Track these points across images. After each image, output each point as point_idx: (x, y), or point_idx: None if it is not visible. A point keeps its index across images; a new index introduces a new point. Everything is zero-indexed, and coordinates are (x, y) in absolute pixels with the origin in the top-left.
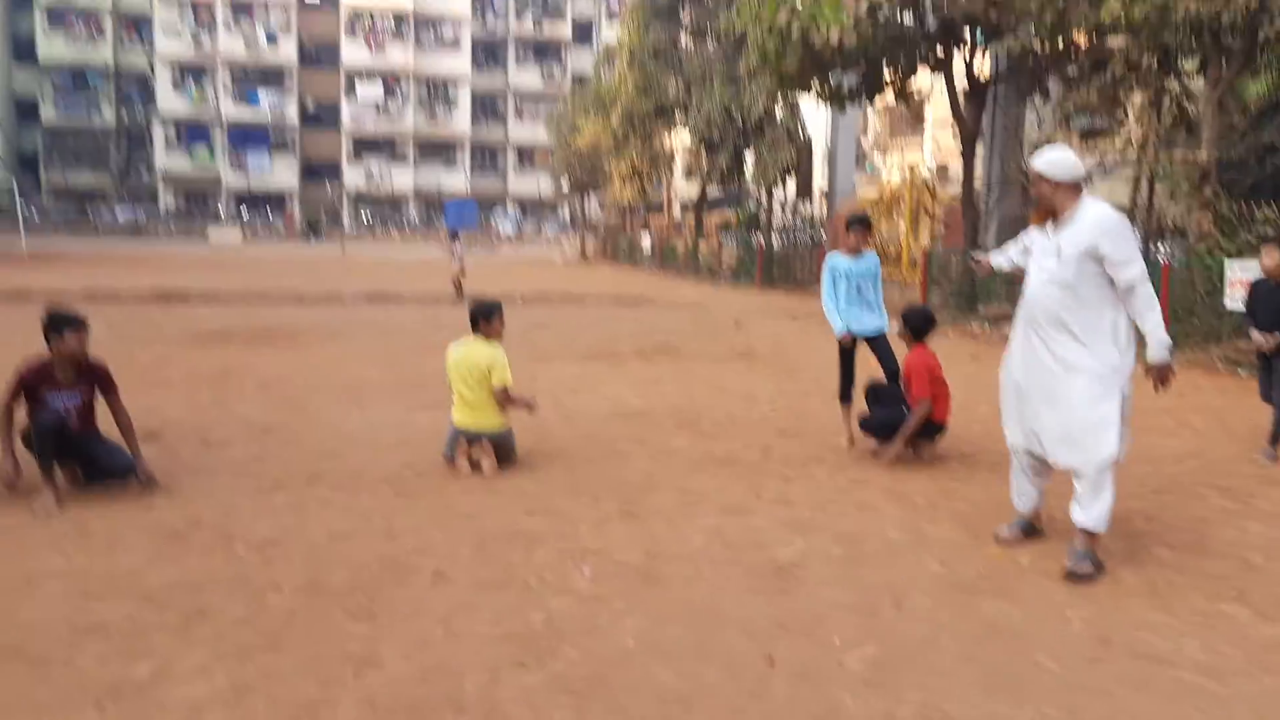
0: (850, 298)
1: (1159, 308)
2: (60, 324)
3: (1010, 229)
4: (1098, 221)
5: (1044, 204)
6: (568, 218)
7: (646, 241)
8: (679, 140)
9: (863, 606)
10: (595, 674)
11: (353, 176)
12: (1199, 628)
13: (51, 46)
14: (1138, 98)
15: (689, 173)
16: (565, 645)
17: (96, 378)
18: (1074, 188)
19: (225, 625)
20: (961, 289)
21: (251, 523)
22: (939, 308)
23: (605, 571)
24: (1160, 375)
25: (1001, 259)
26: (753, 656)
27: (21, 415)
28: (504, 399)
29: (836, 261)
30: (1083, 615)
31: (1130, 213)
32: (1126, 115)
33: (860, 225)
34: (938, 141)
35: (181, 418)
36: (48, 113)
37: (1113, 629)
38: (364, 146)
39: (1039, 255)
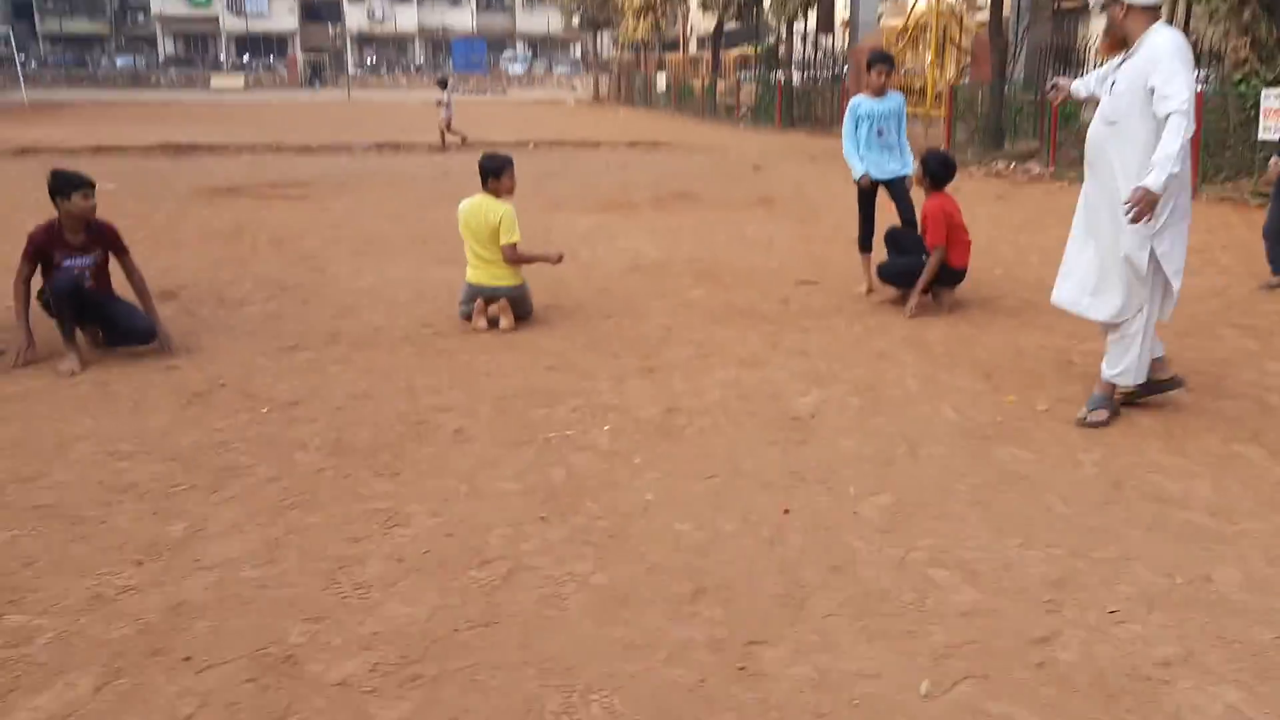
0: (870, 141)
1: (1183, 141)
2: (66, 186)
3: (1039, 59)
4: (1152, 50)
5: (1113, 30)
6: (579, 57)
7: (662, 81)
8: None
9: (878, 456)
10: (615, 527)
11: (355, 17)
12: (1211, 469)
13: None
14: None
15: (705, 6)
16: (586, 500)
17: (106, 239)
18: (1147, 12)
19: (255, 484)
20: (988, 125)
21: (274, 383)
22: (964, 145)
23: (624, 427)
24: (1137, 200)
25: (1080, 85)
26: (769, 507)
27: (36, 282)
28: (513, 257)
29: (859, 103)
30: (1095, 459)
31: None
32: None
33: (882, 63)
34: None
35: (197, 277)
36: None
37: (1125, 472)
38: None
39: (1102, 91)
